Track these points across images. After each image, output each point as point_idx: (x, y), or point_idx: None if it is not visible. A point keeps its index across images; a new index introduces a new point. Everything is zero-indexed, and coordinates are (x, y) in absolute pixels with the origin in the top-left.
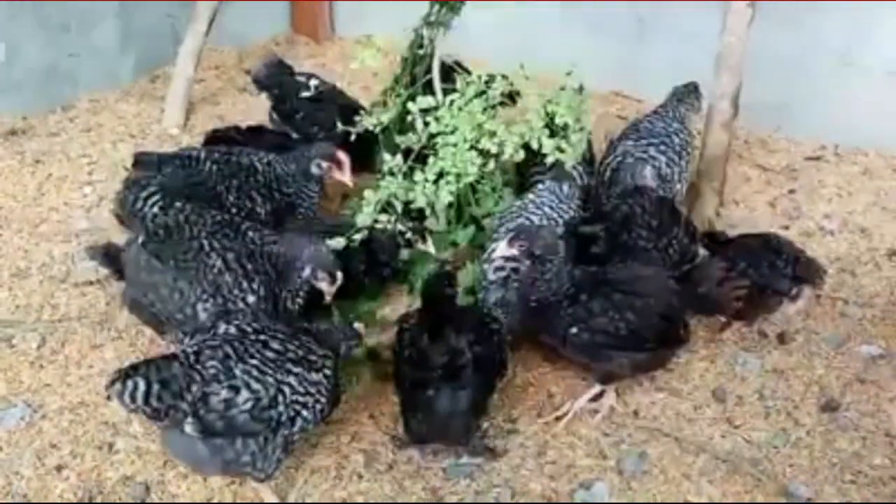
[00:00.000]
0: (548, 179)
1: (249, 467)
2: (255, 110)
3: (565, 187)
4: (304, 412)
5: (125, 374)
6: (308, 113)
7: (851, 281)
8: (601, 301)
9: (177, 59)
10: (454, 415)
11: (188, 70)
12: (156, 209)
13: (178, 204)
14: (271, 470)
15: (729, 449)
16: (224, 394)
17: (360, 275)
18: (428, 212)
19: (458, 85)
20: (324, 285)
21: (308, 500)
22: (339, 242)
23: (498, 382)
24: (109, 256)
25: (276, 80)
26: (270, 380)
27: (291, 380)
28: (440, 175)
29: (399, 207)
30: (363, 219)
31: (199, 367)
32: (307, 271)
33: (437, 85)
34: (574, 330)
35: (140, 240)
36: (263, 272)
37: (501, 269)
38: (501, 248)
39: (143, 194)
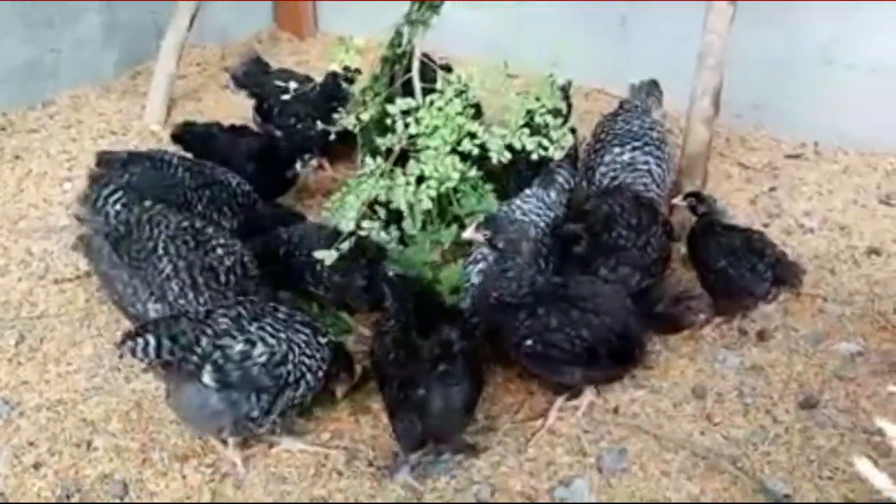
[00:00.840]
0: (535, 185)
1: (253, 423)
2: (238, 107)
3: (552, 193)
4: (308, 375)
5: (136, 332)
6: (286, 108)
7: (831, 278)
8: (558, 316)
9: (159, 56)
10: (449, 412)
11: (170, 66)
12: (118, 206)
13: (146, 203)
14: (264, 430)
15: (708, 446)
16: (241, 346)
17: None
18: (406, 213)
19: (439, 84)
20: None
21: (288, 499)
22: (330, 255)
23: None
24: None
25: (255, 78)
26: (283, 336)
27: (300, 339)
28: (421, 179)
29: (382, 213)
30: (346, 225)
31: (210, 322)
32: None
33: (417, 85)
34: (529, 342)
35: (104, 231)
36: (218, 290)
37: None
38: (468, 231)
39: (106, 192)
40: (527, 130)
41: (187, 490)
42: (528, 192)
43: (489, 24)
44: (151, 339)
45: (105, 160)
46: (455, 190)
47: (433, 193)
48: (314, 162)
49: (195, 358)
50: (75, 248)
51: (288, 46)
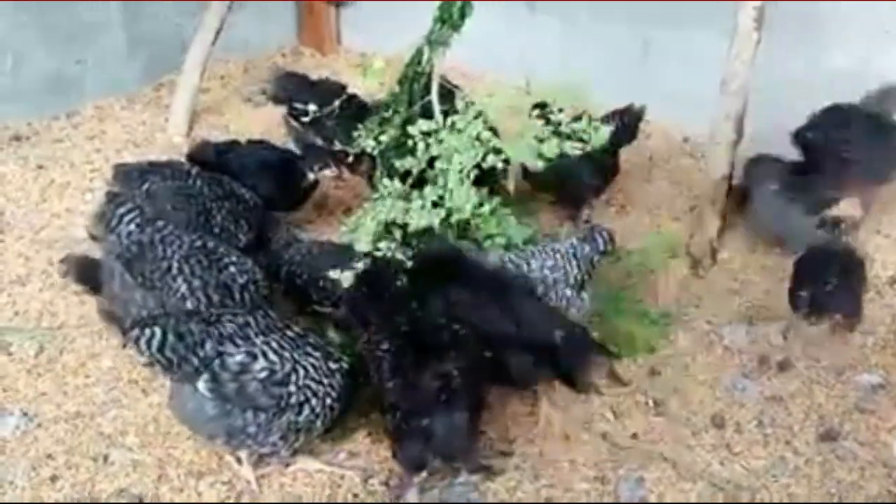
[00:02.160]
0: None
1: (251, 440)
2: (260, 121)
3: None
4: (314, 400)
5: (144, 323)
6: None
7: None
8: None
9: (183, 68)
10: (453, 439)
11: (194, 79)
12: (132, 226)
13: (159, 223)
14: (266, 449)
15: (727, 476)
16: (240, 357)
17: None
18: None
19: (458, 105)
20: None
21: None
22: (346, 276)
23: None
24: (84, 270)
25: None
26: (288, 355)
27: (309, 362)
28: (435, 203)
29: (398, 234)
30: (362, 246)
31: (217, 325)
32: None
33: (436, 106)
34: None
35: (116, 252)
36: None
37: None
38: None
39: (121, 211)
40: (555, 140)
41: None
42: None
43: (511, 45)
44: (158, 333)
45: (123, 172)
46: (473, 214)
47: (443, 215)
48: (328, 172)
49: (196, 361)
50: (64, 274)
51: (310, 62)
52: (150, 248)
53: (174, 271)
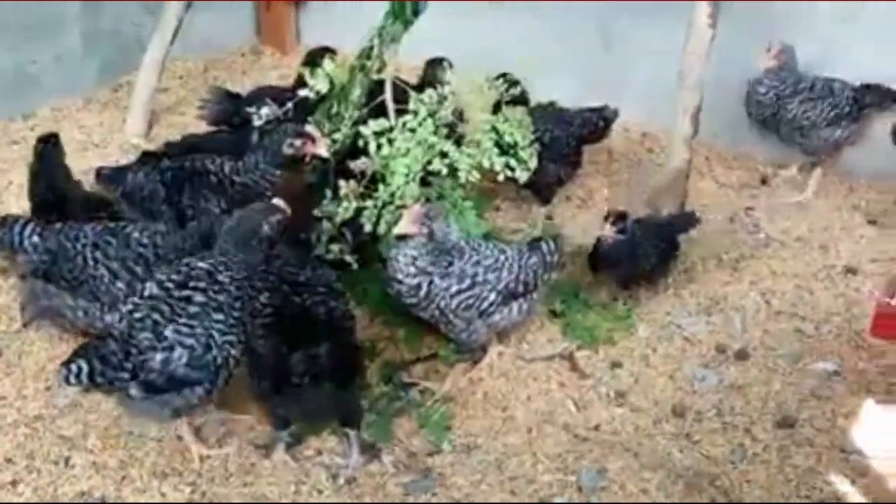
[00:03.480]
0: (525, 243)
1: (199, 408)
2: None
3: (533, 258)
4: (233, 350)
5: (68, 360)
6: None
7: (808, 297)
8: None
9: (141, 68)
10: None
11: (152, 79)
12: (35, 238)
13: (55, 226)
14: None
15: (687, 464)
16: (160, 356)
17: None
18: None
19: (411, 105)
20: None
21: None
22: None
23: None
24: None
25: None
26: (200, 330)
27: (218, 326)
28: (385, 203)
29: (349, 237)
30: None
31: (133, 341)
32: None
33: (390, 105)
34: None
35: (31, 269)
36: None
37: None
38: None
39: (17, 228)
40: (496, 150)
41: None
42: (513, 245)
43: (469, 37)
44: (84, 365)
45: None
46: (429, 202)
47: (392, 220)
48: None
49: (125, 375)
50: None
51: (270, 61)
52: (61, 251)
53: (90, 261)
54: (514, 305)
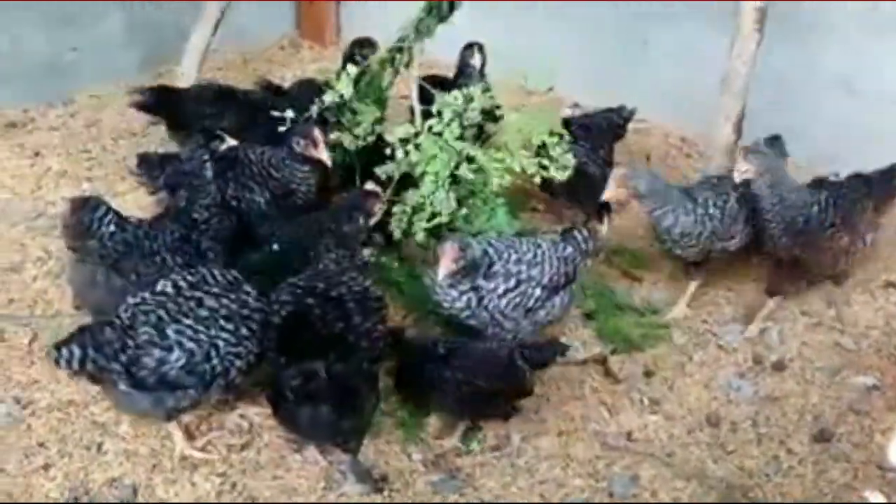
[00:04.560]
0: (559, 235)
1: (191, 408)
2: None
3: (569, 249)
4: (238, 362)
5: (63, 342)
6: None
7: (848, 311)
8: None
9: (181, 58)
10: (316, 429)
11: (193, 69)
12: (112, 227)
13: (133, 220)
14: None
15: (721, 475)
16: (157, 354)
17: None
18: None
19: (435, 107)
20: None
21: None
22: None
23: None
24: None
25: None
26: (203, 337)
27: (224, 335)
28: (415, 209)
29: (381, 238)
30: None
31: (132, 332)
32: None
33: (417, 108)
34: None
35: (96, 255)
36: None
37: None
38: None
39: (98, 214)
40: (525, 152)
41: (196, 498)
42: (548, 238)
43: (510, 43)
44: (77, 351)
45: (145, 161)
46: (461, 204)
47: (425, 225)
48: (303, 143)
49: (117, 367)
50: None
51: (309, 54)
52: (137, 246)
53: (169, 263)
54: (556, 299)
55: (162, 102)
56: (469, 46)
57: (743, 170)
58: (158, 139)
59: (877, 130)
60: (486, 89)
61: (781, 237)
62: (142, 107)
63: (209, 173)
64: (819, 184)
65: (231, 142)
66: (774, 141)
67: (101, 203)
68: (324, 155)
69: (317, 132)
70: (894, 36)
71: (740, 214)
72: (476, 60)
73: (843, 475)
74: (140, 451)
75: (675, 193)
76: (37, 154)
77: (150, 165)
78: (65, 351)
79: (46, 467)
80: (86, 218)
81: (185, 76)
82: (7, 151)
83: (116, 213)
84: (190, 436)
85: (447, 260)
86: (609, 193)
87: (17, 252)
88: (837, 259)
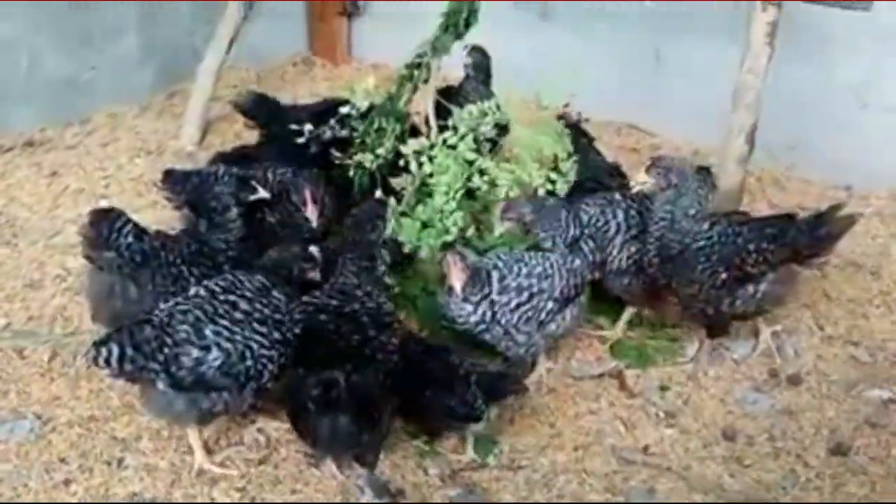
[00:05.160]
0: (566, 246)
1: (223, 413)
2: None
3: (577, 261)
4: (270, 365)
5: (101, 342)
6: None
7: (863, 324)
8: None
9: (196, 77)
10: (335, 440)
11: (207, 88)
12: (130, 238)
13: (151, 232)
14: (246, 409)
15: (738, 489)
16: (195, 353)
17: None
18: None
19: (451, 121)
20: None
21: None
22: None
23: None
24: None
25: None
26: (239, 338)
27: (258, 337)
28: (425, 224)
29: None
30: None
31: (170, 330)
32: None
33: (433, 122)
34: None
35: (116, 265)
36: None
37: None
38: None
39: (117, 224)
40: (537, 165)
41: None
42: (556, 252)
43: (521, 56)
44: (115, 349)
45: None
46: (476, 219)
47: (433, 243)
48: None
49: (155, 366)
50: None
51: (321, 72)
52: (154, 257)
53: (185, 275)
54: (567, 312)
55: (261, 109)
56: (465, 47)
57: (640, 181)
58: (173, 157)
59: (889, 143)
60: (490, 94)
61: (654, 257)
62: (241, 109)
63: (234, 213)
64: (745, 218)
65: (262, 193)
66: (702, 171)
67: (122, 214)
68: (313, 216)
69: (308, 191)
70: None
71: (618, 236)
72: (468, 60)
73: (861, 488)
74: (160, 466)
75: (563, 216)
76: (54, 173)
77: (174, 180)
78: (104, 350)
79: (67, 483)
80: (105, 229)
81: (199, 94)
82: (25, 170)
83: (136, 225)
84: (209, 451)
85: (457, 272)
86: (501, 228)
87: (36, 270)
88: (716, 299)
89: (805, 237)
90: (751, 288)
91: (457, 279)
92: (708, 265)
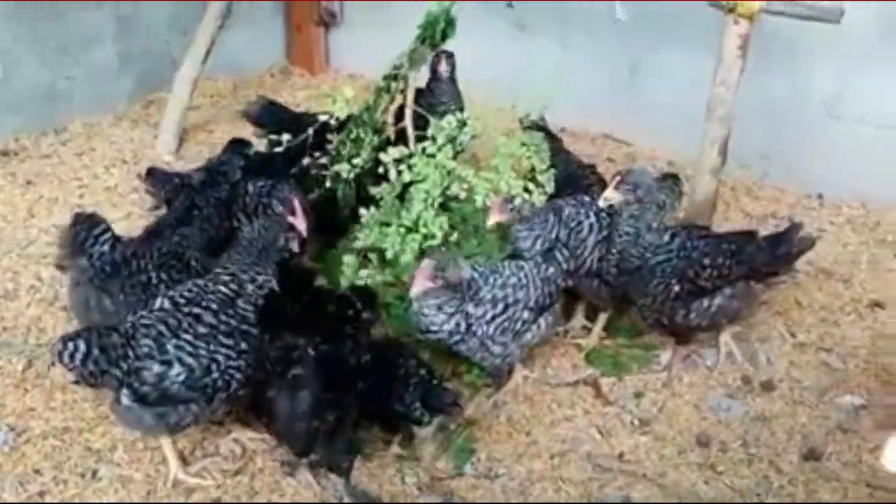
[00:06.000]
0: (539, 255)
1: (194, 424)
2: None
3: (551, 269)
4: (238, 374)
5: (68, 337)
6: None
7: (835, 331)
8: None
9: (173, 86)
10: (293, 419)
11: (184, 97)
12: (105, 247)
13: (123, 239)
14: (218, 419)
15: (712, 496)
16: (157, 368)
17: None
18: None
19: (430, 130)
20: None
21: None
22: None
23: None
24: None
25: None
26: (203, 352)
27: (223, 350)
28: (409, 229)
29: (375, 259)
30: (346, 281)
31: (133, 343)
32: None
33: (410, 132)
34: None
35: (85, 277)
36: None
37: None
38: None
39: (96, 231)
40: (514, 174)
41: None
42: (530, 261)
43: (498, 66)
44: (82, 346)
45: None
46: (453, 228)
47: (416, 247)
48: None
49: (117, 373)
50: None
51: (299, 81)
52: (125, 265)
53: (154, 281)
54: (542, 321)
55: (270, 116)
56: (437, 54)
57: (608, 197)
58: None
59: (859, 153)
60: (459, 97)
61: (612, 268)
62: (249, 118)
63: (238, 175)
64: (705, 232)
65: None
66: (669, 178)
67: (102, 221)
68: (301, 225)
69: (297, 200)
70: (874, 61)
71: (591, 236)
72: (443, 67)
73: (833, 494)
74: (135, 478)
75: (550, 219)
76: (29, 182)
77: (155, 178)
78: (70, 344)
79: (42, 494)
80: (83, 232)
81: (175, 104)
82: (0, 180)
83: (113, 234)
84: (184, 461)
85: (421, 278)
86: (494, 219)
87: (10, 280)
88: (671, 311)
89: (764, 255)
90: (705, 301)
91: (416, 285)
92: (662, 278)
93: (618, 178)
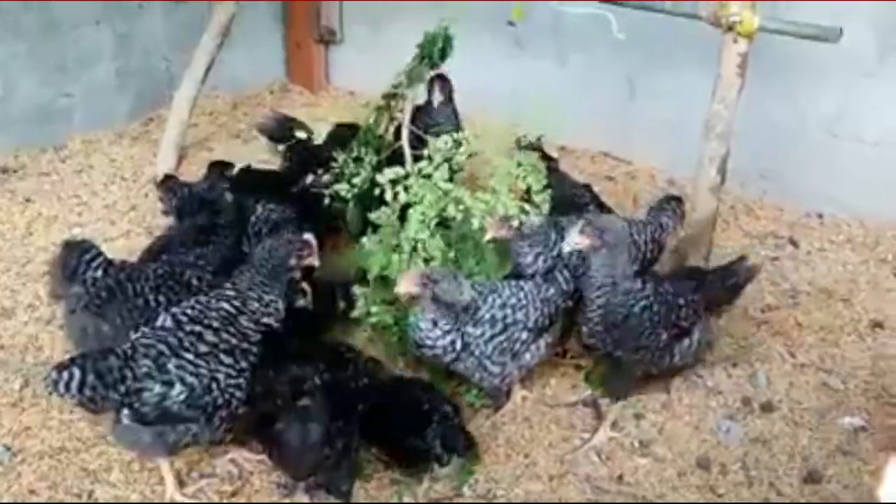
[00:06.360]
0: (540, 276)
1: (193, 444)
2: (248, 157)
3: (551, 290)
4: (239, 393)
5: (62, 365)
6: None
7: (835, 351)
8: None
9: (172, 104)
10: (304, 450)
11: (183, 115)
12: (98, 272)
13: (115, 263)
14: (218, 439)
15: None
16: (158, 388)
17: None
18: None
19: (426, 150)
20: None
21: None
22: None
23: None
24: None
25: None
26: (204, 371)
27: (223, 369)
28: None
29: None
30: (359, 312)
31: (133, 364)
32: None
33: (407, 152)
34: None
35: (80, 304)
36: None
37: None
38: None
39: (87, 257)
40: (511, 195)
41: None
42: (531, 281)
43: (495, 85)
44: (77, 373)
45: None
46: (449, 245)
47: (420, 262)
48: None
49: (116, 396)
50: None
51: (299, 99)
52: (120, 290)
53: (152, 304)
54: (541, 342)
55: (286, 132)
56: (432, 79)
57: (575, 242)
58: (149, 184)
59: (859, 172)
60: (455, 118)
61: (596, 325)
62: (267, 133)
63: (229, 198)
64: (654, 274)
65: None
66: (672, 200)
67: (91, 246)
68: (315, 262)
69: (312, 240)
70: (872, 80)
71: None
72: (437, 95)
73: None
74: (131, 499)
75: (553, 236)
76: (27, 200)
77: (168, 186)
78: (65, 373)
79: None
80: (73, 261)
81: (175, 121)
82: None
83: (105, 258)
84: (181, 483)
85: (406, 280)
86: (491, 234)
87: (8, 298)
88: (660, 359)
89: (717, 287)
90: (686, 341)
91: (401, 285)
92: (650, 327)
93: (582, 223)
